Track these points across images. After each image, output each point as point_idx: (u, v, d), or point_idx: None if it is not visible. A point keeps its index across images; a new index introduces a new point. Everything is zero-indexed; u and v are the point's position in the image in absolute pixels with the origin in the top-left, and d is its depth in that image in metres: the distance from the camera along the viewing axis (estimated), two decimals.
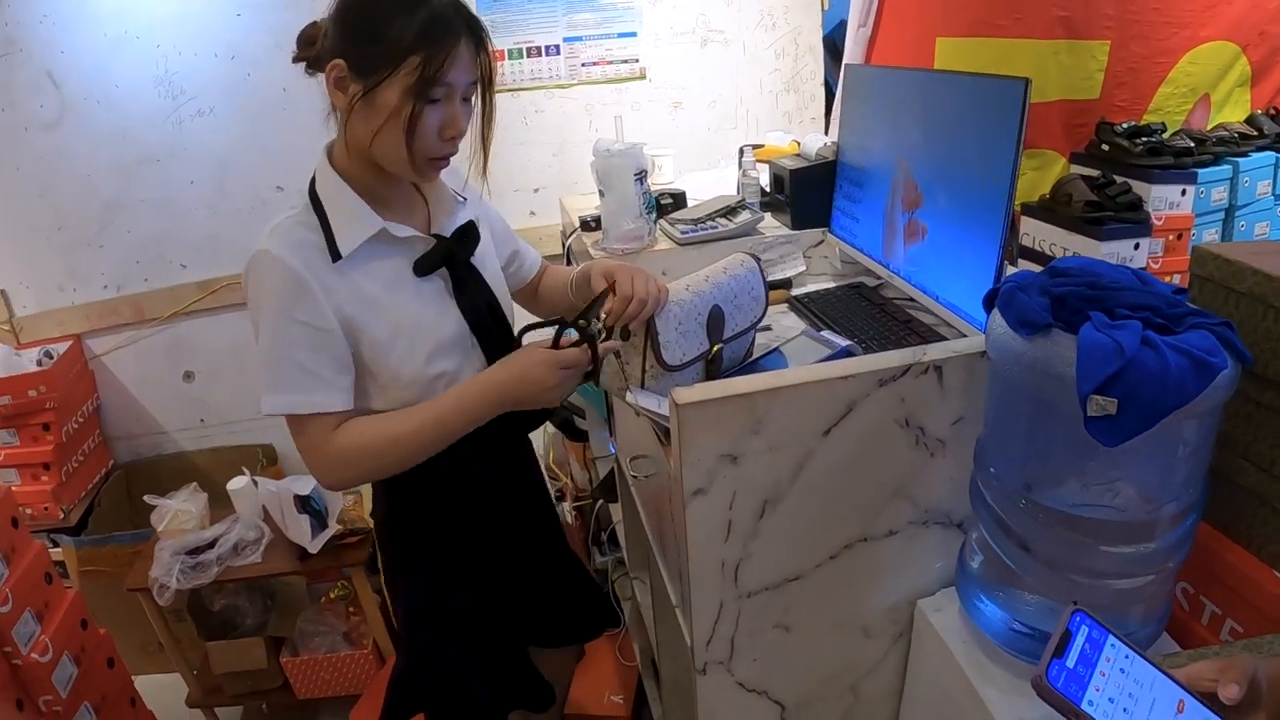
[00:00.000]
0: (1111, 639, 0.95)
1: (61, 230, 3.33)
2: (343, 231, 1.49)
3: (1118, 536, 1.19)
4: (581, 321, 1.52)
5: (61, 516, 3.24)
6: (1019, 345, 1.15)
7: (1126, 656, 0.95)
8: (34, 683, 2.21)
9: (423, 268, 1.57)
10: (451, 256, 1.62)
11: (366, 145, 1.46)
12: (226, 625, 3.15)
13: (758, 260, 1.69)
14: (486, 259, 1.72)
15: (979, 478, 1.33)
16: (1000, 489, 1.27)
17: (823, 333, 1.74)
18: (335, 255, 1.48)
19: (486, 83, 1.50)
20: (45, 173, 3.25)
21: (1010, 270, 1.52)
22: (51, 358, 3.28)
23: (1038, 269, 1.30)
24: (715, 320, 1.57)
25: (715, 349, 1.56)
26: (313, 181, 1.55)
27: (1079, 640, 0.93)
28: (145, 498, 3.01)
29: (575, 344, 1.53)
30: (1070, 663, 0.91)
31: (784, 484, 1.38)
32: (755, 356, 1.69)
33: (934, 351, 1.37)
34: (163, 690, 3.09)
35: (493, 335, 1.67)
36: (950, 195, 1.69)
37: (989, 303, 1.26)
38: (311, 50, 1.49)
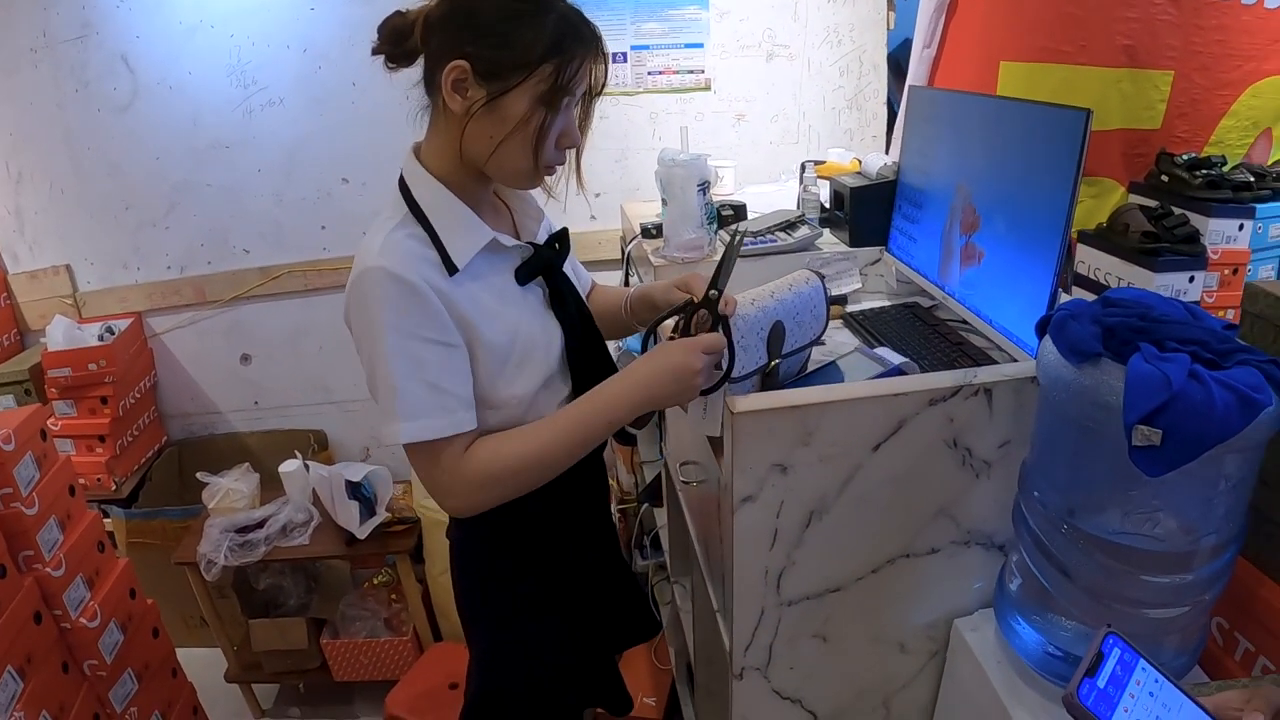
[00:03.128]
0: (1142, 663, 0.97)
1: (129, 210, 3.41)
2: (454, 243, 1.40)
3: (1156, 566, 1.20)
4: (713, 292, 1.41)
5: (114, 488, 3.31)
6: (1068, 372, 1.17)
7: (1156, 681, 0.96)
8: (80, 646, 2.27)
9: (524, 276, 1.51)
10: (549, 265, 1.55)
11: (485, 153, 1.39)
12: (269, 604, 3.21)
13: (822, 279, 1.70)
14: (568, 267, 1.65)
15: (1022, 501, 1.35)
16: (1043, 513, 1.28)
17: (880, 349, 1.74)
18: (450, 268, 1.39)
19: (597, 93, 1.46)
20: (116, 153, 3.33)
21: (1064, 298, 1.53)
22: (113, 333, 3.35)
23: (1092, 297, 1.31)
24: (776, 335, 1.55)
25: (773, 364, 1.55)
26: (405, 188, 1.45)
27: (1111, 662, 0.95)
28: (198, 475, 3.08)
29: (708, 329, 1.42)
30: (1101, 683, 0.93)
31: (831, 496, 1.40)
32: (809, 371, 1.71)
33: (984, 374, 1.39)
34: (202, 663, 3.14)
35: (585, 346, 1.59)
36: (1009, 221, 1.69)
37: (1041, 329, 1.28)
38: (403, 45, 1.40)
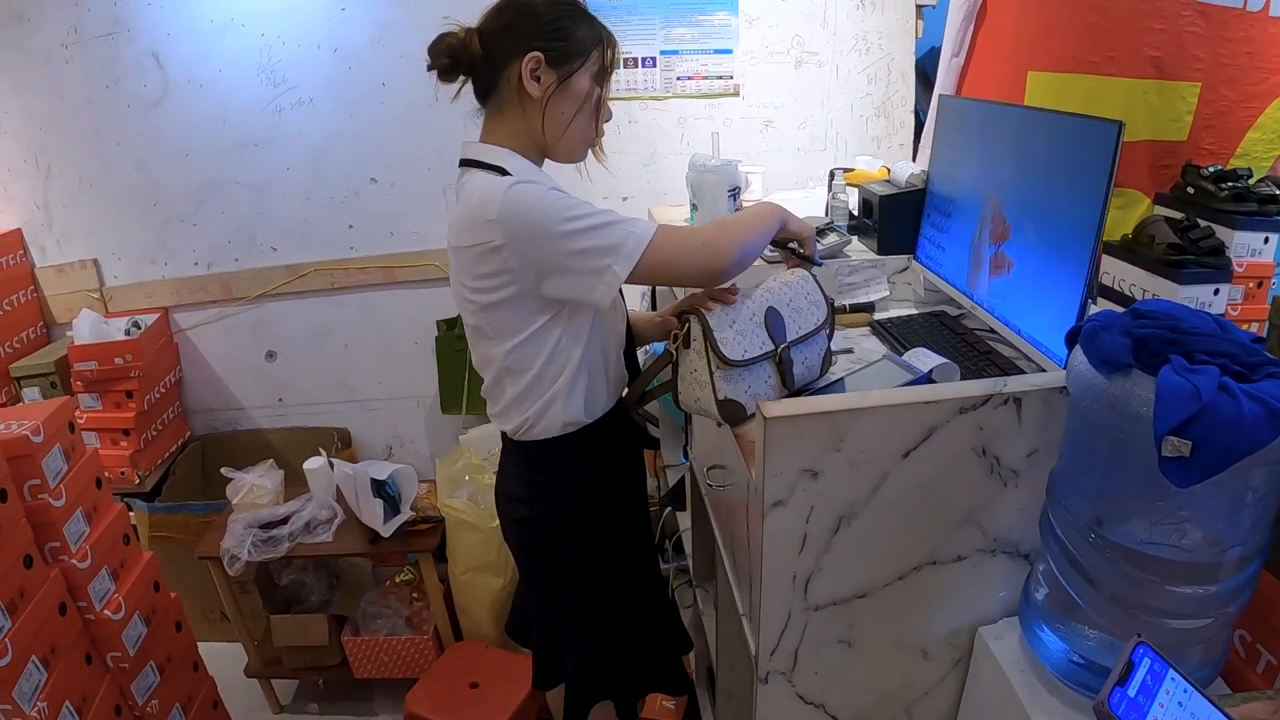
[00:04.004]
0: (1172, 673, 0.98)
1: (157, 206, 3.43)
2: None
3: (1182, 577, 1.20)
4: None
5: (137, 482, 3.33)
6: (1099, 383, 1.18)
7: (1185, 691, 0.97)
8: (104, 639, 2.28)
9: None
10: None
11: (563, 127, 1.67)
12: (291, 600, 3.23)
13: (814, 275, 1.77)
14: None
15: (1050, 510, 1.35)
16: (1070, 522, 1.29)
17: (918, 349, 1.75)
18: None
19: (608, 78, 1.75)
20: (145, 150, 3.35)
21: (1093, 308, 1.53)
22: (139, 328, 3.36)
23: (1116, 308, 1.31)
24: (774, 321, 1.64)
25: (780, 348, 1.62)
26: (491, 167, 1.63)
27: (1141, 671, 0.96)
28: (223, 470, 3.10)
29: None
30: (1131, 692, 0.94)
31: (860, 502, 1.41)
32: (830, 380, 1.73)
33: (1014, 383, 1.40)
34: (222, 658, 3.16)
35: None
36: (1039, 231, 1.70)
37: (1071, 340, 1.28)
38: (462, 57, 1.62)
